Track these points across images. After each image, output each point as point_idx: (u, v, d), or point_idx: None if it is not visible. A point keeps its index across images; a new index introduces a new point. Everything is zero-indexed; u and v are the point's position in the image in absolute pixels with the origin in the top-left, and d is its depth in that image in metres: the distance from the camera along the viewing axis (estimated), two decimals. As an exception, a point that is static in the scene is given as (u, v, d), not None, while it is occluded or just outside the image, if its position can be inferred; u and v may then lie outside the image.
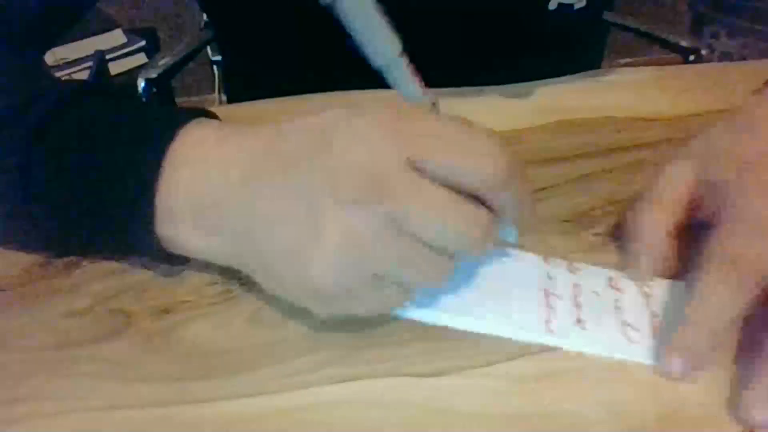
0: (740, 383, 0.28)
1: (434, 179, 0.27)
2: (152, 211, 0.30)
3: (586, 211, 0.40)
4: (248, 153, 0.30)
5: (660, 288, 0.34)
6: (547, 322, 0.31)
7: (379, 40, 0.28)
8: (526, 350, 0.30)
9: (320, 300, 0.29)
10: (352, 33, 0.28)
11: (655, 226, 0.35)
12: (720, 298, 0.29)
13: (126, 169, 0.30)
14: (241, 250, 0.30)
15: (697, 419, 0.28)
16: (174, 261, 0.33)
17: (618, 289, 0.34)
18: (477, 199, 0.28)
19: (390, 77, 0.30)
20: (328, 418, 0.27)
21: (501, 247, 0.35)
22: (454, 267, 0.29)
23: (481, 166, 0.28)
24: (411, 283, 0.29)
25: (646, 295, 0.33)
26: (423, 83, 0.30)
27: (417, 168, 0.27)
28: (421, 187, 0.27)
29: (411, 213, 0.27)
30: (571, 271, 0.35)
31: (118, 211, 0.31)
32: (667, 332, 0.31)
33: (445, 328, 0.31)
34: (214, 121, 0.33)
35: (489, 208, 0.29)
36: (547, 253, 0.36)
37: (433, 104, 0.31)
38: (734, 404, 0.28)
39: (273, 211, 0.28)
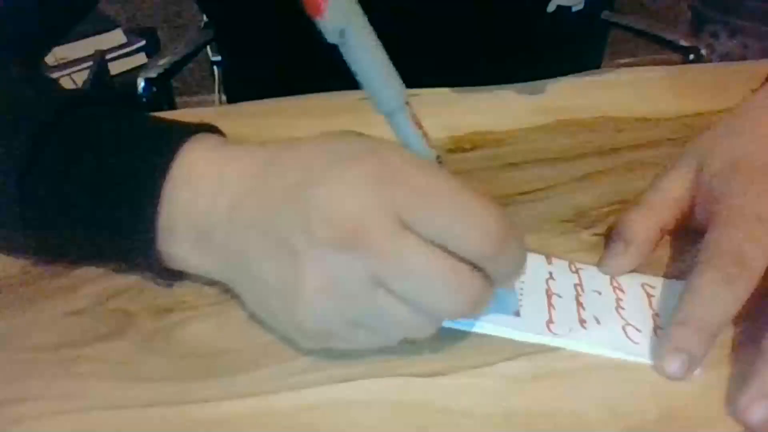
0: (739, 383, 0.28)
1: (425, 239, 0.26)
2: (154, 232, 0.30)
3: (586, 211, 0.40)
4: (236, 185, 0.30)
5: (662, 288, 0.34)
6: (549, 322, 0.31)
7: (385, 86, 0.27)
8: (526, 350, 0.30)
9: (303, 335, 0.29)
10: (357, 75, 0.26)
11: (639, 225, 0.35)
12: (714, 296, 0.29)
13: (127, 189, 0.30)
14: (235, 276, 0.31)
15: (697, 419, 0.28)
16: (172, 276, 0.33)
17: (620, 289, 0.34)
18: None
19: (393, 126, 0.28)
20: (327, 418, 0.27)
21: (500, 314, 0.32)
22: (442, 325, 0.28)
23: (473, 233, 0.26)
24: (392, 335, 0.29)
25: (648, 295, 0.33)
26: (428, 137, 0.28)
27: (408, 227, 0.26)
28: (407, 245, 0.25)
29: (393, 271, 0.26)
30: (573, 270, 0.35)
31: (119, 228, 0.31)
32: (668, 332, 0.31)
33: (445, 329, 0.31)
34: (215, 139, 0.32)
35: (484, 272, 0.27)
36: (547, 253, 0.36)
37: (438, 158, 0.29)
38: (734, 404, 0.27)
39: (258, 250, 0.28)
